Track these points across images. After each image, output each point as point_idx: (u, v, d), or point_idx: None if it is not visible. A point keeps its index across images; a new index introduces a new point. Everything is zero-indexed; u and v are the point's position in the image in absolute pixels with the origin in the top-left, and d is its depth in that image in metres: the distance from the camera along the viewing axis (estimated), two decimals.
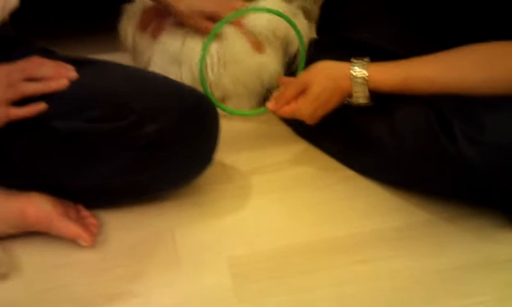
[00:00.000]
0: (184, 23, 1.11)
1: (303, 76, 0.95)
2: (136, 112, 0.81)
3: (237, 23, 1.09)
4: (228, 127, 0.93)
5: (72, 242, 0.82)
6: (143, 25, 1.16)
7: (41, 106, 0.80)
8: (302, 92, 0.94)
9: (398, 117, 0.89)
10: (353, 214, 0.90)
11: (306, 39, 1.10)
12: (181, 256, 0.82)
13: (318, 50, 1.09)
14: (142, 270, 0.79)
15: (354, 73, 0.89)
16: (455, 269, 0.79)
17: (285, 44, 1.15)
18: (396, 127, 0.89)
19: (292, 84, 0.96)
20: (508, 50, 0.83)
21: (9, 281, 0.77)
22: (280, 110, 0.97)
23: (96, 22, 1.17)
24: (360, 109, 0.92)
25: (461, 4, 0.99)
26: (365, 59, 0.90)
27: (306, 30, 1.13)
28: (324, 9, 1.24)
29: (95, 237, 0.83)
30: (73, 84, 0.84)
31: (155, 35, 1.14)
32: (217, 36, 1.08)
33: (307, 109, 0.94)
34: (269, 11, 1.06)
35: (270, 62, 1.12)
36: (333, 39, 1.10)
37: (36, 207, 0.80)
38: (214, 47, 1.09)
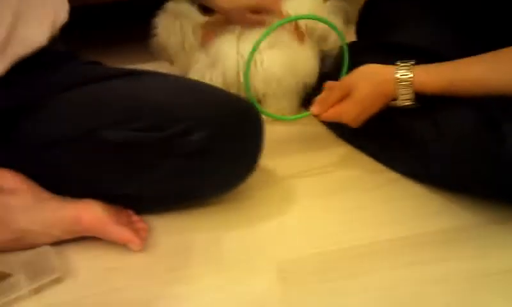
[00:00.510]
0: (232, 21, 1.11)
1: (347, 80, 0.96)
2: (181, 121, 0.82)
3: (278, 12, 1.09)
4: (269, 132, 0.93)
5: (123, 246, 0.84)
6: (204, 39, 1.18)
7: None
8: (346, 96, 0.94)
9: (443, 118, 0.88)
10: (399, 217, 0.89)
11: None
12: (229, 260, 0.83)
13: (359, 54, 1.09)
14: (191, 273, 0.81)
15: (399, 77, 0.88)
16: (503, 272, 0.77)
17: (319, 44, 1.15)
18: (441, 128, 0.88)
19: (336, 88, 0.96)
20: None
21: (63, 285, 0.79)
22: (323, 114, 0.97)
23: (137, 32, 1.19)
24: (404, 111, 0.92)
25: (504, 4, 0.98)
26: (410, 62, 0.89)
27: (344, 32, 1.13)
28: (362, 12, 1.24)
29: (145, 241, 0.85)
30: (122, 95, 0.87)
31: (204, 43, 1.16)
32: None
33: (351, 113, 0.94)
34: (318, 19, 1.07)
35: (306, 57, 1.13)
36: (373, 42, 1.10)
37: (90, 213, 0.82)
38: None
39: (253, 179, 0.92)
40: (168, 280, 0.80)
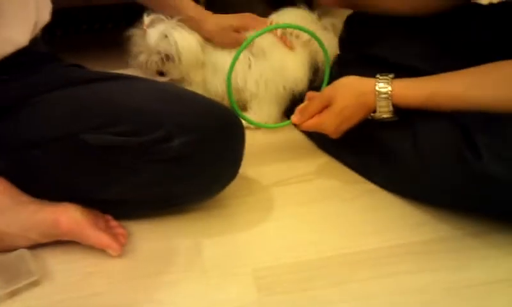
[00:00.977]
0: (217, 42, 1.19)
1: (328, 90, 0.97)
2: (161, 127, 0.82)
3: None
4: (251, 140, 0.94)
5: (101, 251, 0.83)
6: None
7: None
8: (326, 106, 0.95)
9: (422, 132, 0.90)
10: (379, 227, 0.90)
11: (331, 55, 1.12)
12: (207, 267, 0.83)
13: (342, 66, 1.11)
14: (170, 279, 0.81)
15: (378, 89, 0.90)
16: (481, 284, 0.79)
17: (312, 56, 1.17)
18: (420, 142, 0.90)
19: (316, 98, 0.97)
20: None
21: (39, 289, 0.79)
22: (304, 124, 0.98)
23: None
24: (383, 123, 0.93)
25: (484, 22, 1.00)
26: (390, 75, 0.91)
27: (334, 46, 1.15)
28: (346, 25, 1.26)
29: (124, 246, 0.85)
30: (103, 99, 0.86)
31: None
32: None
33: (331, 123, 0.95)
34: (299, 28, 1.09)
35: (294, 62, 1.15)
36: (356, 55, 1.12)
37: (69, 217, 0.82)
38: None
39: (234, 186, 0.92)
40: (146, 285, 0.80)
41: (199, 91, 1.17)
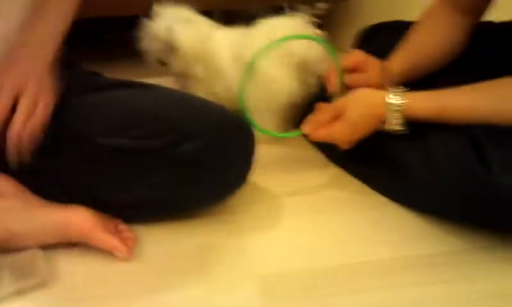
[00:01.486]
0: None
1: (340, 102, 0.97)
2: (178, 132, 0.84)
3: None
4: (262, 150, 0.94)
5: (109, 253, 0.84)
6: None
7: None
8: (337, 117, 0.96)
9: (432, 144, 0.90)
10: (386, 239, 0.90)
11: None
12: (213, 273, 0.83)
13: None
14: (176, 283, 0.81)
15: (389, 101, 0.90)
16: (491, 297, 0.78)
17: (306, 68, 1.17)
18: (430, 155, 0.90)
19: (327, 109, 0.98)
20: None
21: (47, 289, 0.79)
22: (315, 134, 0.98)
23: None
24: (394, 135, 0.94)
25: (495, 39, 1.01)
26: (401, 88, 0.91)
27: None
28: (357, 41, 1.27)
29: (131, 250, 0.85)
30: (117, 103, 0.88)
31: None
32: None
33: (342, 134, 0.96)
34: (306, 37, 1.09)
35: (284, 78, 1.15)
36: None
37: (79, 219, 0.83)
38: None
39: (243, 194, 0.93)
40: (152, 289, 0.80)
41: (202, 89, 1.21)
